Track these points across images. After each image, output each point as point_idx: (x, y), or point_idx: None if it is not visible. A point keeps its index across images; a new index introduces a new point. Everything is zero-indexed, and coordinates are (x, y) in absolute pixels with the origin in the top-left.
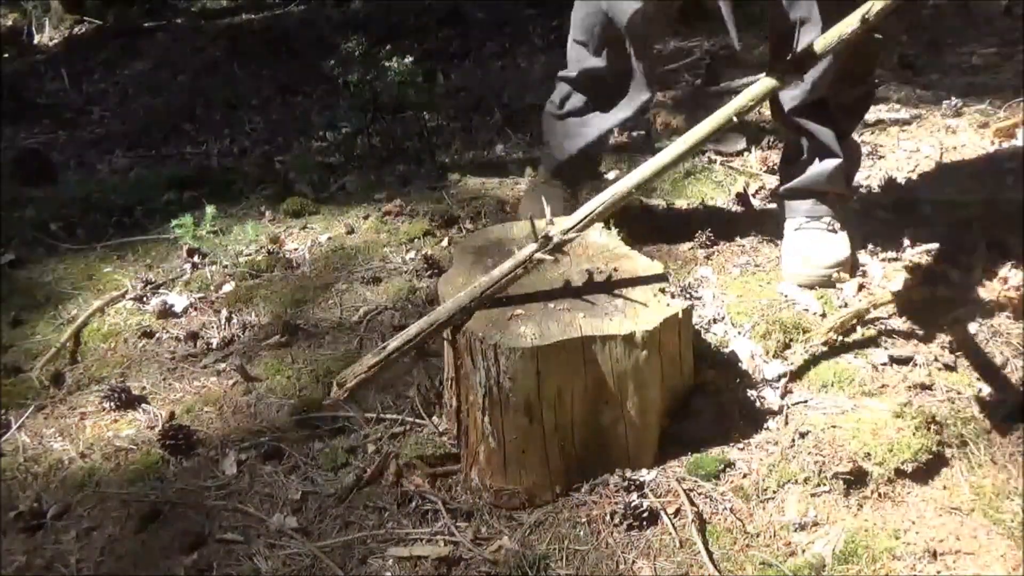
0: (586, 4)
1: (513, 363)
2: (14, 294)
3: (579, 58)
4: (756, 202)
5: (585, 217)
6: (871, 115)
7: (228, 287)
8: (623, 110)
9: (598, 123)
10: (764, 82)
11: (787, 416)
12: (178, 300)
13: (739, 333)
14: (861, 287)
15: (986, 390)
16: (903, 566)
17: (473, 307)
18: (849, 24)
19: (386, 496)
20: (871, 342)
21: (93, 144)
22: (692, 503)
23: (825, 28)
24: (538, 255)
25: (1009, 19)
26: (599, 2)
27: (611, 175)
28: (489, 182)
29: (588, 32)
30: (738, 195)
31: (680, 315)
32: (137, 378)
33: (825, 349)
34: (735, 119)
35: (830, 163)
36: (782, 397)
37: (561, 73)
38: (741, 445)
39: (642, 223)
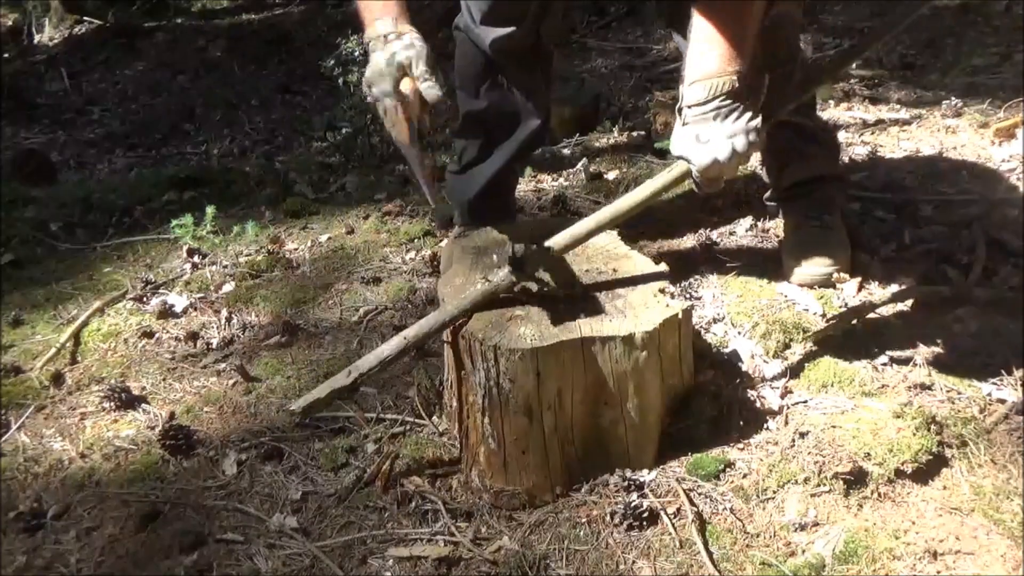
0: (460, 46)
1: (513, 364)
2: (14, 294)
3: (462, 104)
4: (756, 202)
5: (563, 246)
6: (871, 115)
7: (228, 287)
8: (512, 144)
9: (492, 163)
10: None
11: (787, 416)
12: (178, 300)
13: (739, 333)
14: (861, 287)
15: (986, 390)
16: (903, 566)
17: (446, 327)
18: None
19: (386, 496)
20: (871, 342)
21: (93, 144)
22: (692, 503)
23: None
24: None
25: (1009, 19)
26: (468, 37)
27: (611, 175)
28: None
29: (464, 76)
30: (737, 195)
31: (680, 315)
32: (137, 378)
33: (825, 349)
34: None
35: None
36: (782, 397)
37: (452, 127)
38: (741, 445)
39: (642, 223)
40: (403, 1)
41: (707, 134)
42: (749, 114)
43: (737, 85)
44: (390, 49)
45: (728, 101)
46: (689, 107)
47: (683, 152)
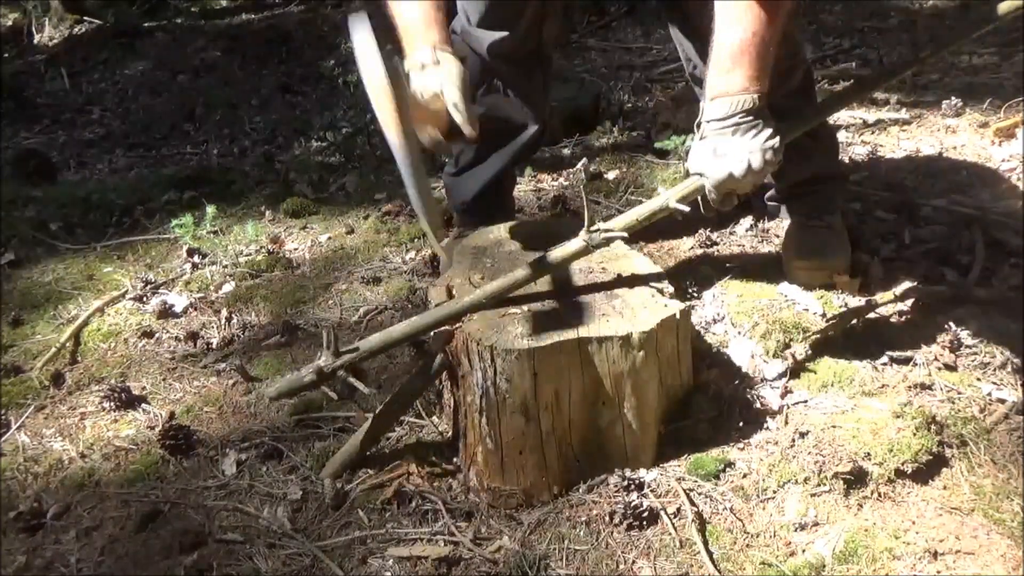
0: (457, 50)
1: (509, 364)
2: (14, 294)
3: None
4: (756, 202)
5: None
6: (871, 115)
7: (228, 287)
8: (510, 149)
9: (489, 167)
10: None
11: (787, 416)
12: (178, 300)
13: (739, 333)
14: (861, 287)
15: (986, 390)
16: (903, 566)
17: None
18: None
19: (386, 496)
20: (871, 342)
21: (93, 144)
22: (692, 503)
23: None
24: None
25: (1009, 19)
26: (465, 41)
27: (611, 175)
28: None
29: None
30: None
31: (678, 316)
32: (137, 378)
33: (825, 349)
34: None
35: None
36: (782, 397)
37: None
38: (741, 445)
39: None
40: (444, 28)
41: (724, 148)
42: (768, 131)
43: (759, 103)
44: (425, 77)
45: (748, 118)
46: (708, 122)
47: (699, 168)
